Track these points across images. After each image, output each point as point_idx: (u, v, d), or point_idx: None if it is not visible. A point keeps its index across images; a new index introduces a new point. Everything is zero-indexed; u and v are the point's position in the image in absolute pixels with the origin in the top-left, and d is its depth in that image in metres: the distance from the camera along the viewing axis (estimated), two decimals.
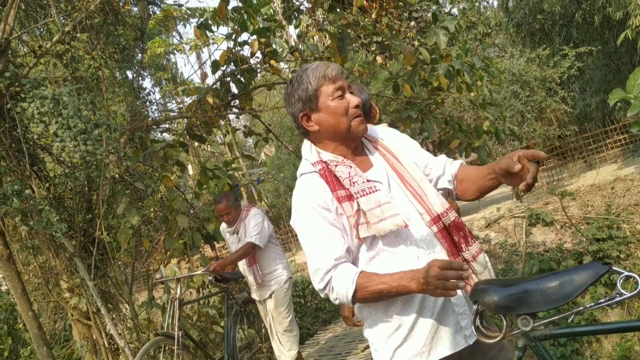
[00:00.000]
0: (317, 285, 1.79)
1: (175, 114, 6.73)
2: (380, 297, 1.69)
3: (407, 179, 1.86)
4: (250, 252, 4.66)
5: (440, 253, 1.80)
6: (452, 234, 1.82)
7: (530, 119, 11.41)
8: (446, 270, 1.48)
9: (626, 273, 1.36)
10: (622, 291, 1.35)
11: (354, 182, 1.80)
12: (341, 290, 1.72)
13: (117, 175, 4.43)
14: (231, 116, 7.14)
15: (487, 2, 15.63)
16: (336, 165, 1.85)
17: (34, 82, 3.87)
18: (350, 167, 1.85)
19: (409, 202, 1.83)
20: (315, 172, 1.87)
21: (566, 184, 12.69)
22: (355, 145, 1.92)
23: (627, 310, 8.50)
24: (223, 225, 5.03)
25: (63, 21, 4.89)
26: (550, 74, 11.98)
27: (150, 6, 4.89)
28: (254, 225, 4.66)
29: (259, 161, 17.91)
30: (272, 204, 16.68)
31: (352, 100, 1.83)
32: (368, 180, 1.82)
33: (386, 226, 1.73)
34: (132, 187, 5.44)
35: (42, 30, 5.27)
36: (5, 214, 4.23)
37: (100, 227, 4.88)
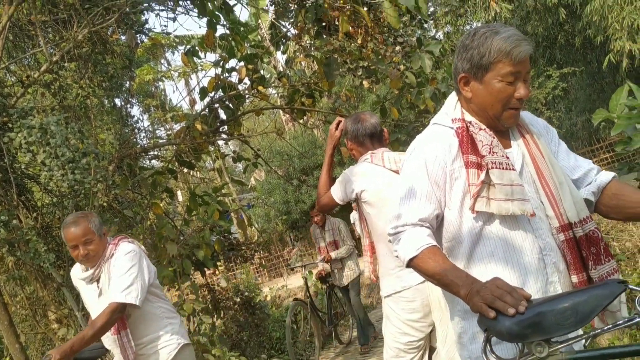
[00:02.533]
0: (389, 229, 1.71)
1: (164, 140, 6.74)
2: (431, 279, 1.59)
3: (546, 176, 1.71)
4: (118, 318, 2.89)
5: (559, 262, 1.68)
6: (581, 247, 1.67)
7: None
8: (504, 292, 1.33)
9: None
10: None
11: (493, 152, 1.67)
12: (405, 249, 1.62)
13: (105, 204, 4.40)
14: (220, 142, 7.17)
15: (471, 26, 15.90)
16: (479, 130, 1.72)
17: (22, 111, 3.87)
18: (494, 137, 1.71)
19: (539, 200, 1.70)
20: (452, 128, 1.76)
21: None
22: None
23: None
24: (75, 268, 3.19)
25: (51, 51, 4.91)
26: (536, 94, 12.14)
27: (138, 35, 4.93)
28: (123, 271, 2.88)
29: (249, 186, 17.88)
30: (263, 229, 16.61)
31: (519, 91, 1.65)
32: (507, 157, 1.69)
33: (511, 208, 1.61)
34: (121, 215, 5.41)
35: (30, 60, 5.29)
36: None
37: None
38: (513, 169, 1.67)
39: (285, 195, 15.17)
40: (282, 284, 14.27)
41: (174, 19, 5.52)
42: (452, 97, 1.84)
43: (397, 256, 1.68)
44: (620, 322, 1.32)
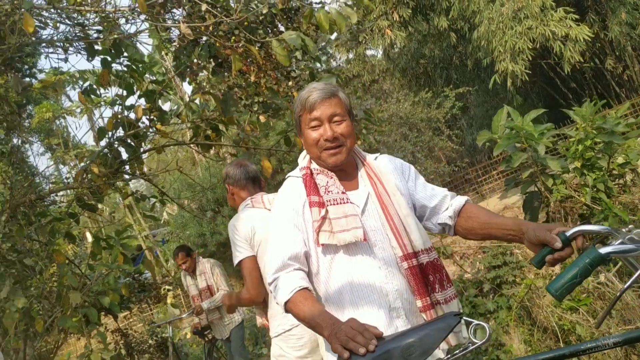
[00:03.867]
0: (268, 278, 1.84)
1: (64, 184, 6.47)
2: (302, 321, 1.70)
3: (391, 211, 1.88)
4: None
5: (403, 289, 1.82)
6: (427, 273, 1.84)
7: (420, 158, 12.04)
8: (357, 333, 1.44)
9: (475, 322, 1.43)
10: (474, 340, 1.41)
11: (329, 191, 1.88)
12: (280, 295, 1.75)
13: None
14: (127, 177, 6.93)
15: (373, 51, 16.54)
16: (318, 174, 1.95)
17: None
18: (331, 177, 1.93)
19: (384, 234, 1.86)
20: (299, 177, 1.99)
21: None
22: (341, 168, 1.97)
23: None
24: None
25: None
26: (435, 114, 12.76)
27: (27, 78, 4.74)
28: None
29: (162, 221, 17.40)
30: None
31: (325, 132, 1.87)
32: (343, 192, 1.89)
33: (347, 237, 1.78)
34: (19, 265, 5.12)
35: None
36: None
37: None
38: (348, 202, 1.86)
39: (200, 228, 14.90)
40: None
41: (66, 60, 5.35)
42: (304, 151, 2.08)
43: (277, 303, 1.78)
44: (457, 351, 1.46)
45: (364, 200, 1.91)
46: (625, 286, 1.37)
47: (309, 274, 1.88)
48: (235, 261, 2.90)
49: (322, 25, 3.53)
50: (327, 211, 1.83)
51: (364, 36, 12.38)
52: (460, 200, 1.96)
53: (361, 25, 10.92)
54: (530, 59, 10.42)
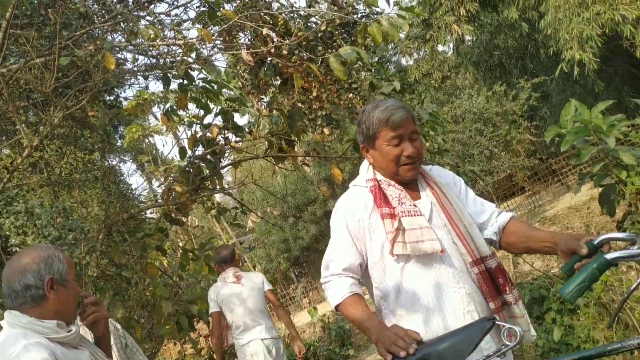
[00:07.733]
0: (322, 278, 2.00)
1: (153, 201, 6.97)
2: (352, 324, 1.88)
3: (455, 219, 1.96)
4: None
5: (475, 293, 1.91)
6: (495, 277, 1.93)
7: (497, 153, 11.79)
8: (398, 337, 1.55)
9: (508, 326, 1.51)
10: (507, 342, 1.49)
11: (402, 202, 1.94)
12: (332, 296, 1.90)
13: (94, 274, 4.61)
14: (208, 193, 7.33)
15: (443, 47, 16.34)
16: (388, 185, 2.00)
17: (7, 198, 4.12)
18: (402, 190, 1.98)
19: (452, 241, 1.93)
20: (366, 187, 2.03)
21: (547, 208, 12.95)
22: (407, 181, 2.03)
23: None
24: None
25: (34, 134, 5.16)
26: (511, 107, 12.44)
27: (112, 108, 5.20)
28: None
29: (247, 228, 18.04)
30: (266, 269, 16.74)
31: (406, 149, 1.93)
32: (415, 205, 1.96)
33: (423, 247, 1.87)
34: (118, 278, 5.60)
35: (13, 145, 5.56)
36: None
37: None
38: (421, 215, 1.94)
39: (283, 234, 15.34)
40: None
41: (146, 87, 5.80)
42: (365, 163, 2.15)
43: (327, 300, 1.95)
44: (491, 353, 1.56)
45: (429, 209, 1.99)
46: (632, 287, 1.45)
47: (372, 283, 2.00)
48: (209, 312, 4.95)
49: (376, 37, 3.68)
50: (400, 222, 1.90)
51: (431, 33, 12.29)
52: (505, 217, 2.04)
53: (428, 23, 10.89)
54: (600, 45, 9.93)
